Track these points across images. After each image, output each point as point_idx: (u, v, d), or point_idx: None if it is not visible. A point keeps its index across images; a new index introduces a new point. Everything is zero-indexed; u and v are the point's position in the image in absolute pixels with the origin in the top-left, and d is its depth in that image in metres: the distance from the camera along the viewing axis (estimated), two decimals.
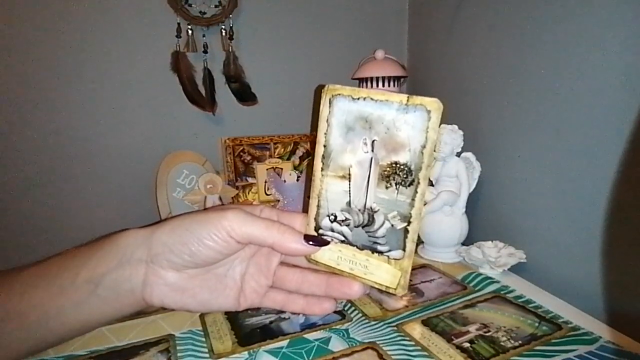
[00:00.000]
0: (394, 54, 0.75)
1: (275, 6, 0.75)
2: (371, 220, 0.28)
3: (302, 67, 0.79)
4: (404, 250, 0.27)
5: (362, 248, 0.28)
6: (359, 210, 0.28)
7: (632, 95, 0.41)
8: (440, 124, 0.25)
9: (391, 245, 0.27)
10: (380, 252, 0.28)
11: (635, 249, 0.41)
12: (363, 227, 0.28)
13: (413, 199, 0.26)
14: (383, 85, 0.70)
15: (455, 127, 0.60)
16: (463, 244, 0.60)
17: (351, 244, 0.29)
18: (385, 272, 0.28)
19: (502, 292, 0.47)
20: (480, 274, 0.52)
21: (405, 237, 0.27)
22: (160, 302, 0.29)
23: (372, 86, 0.70)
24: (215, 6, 0.69)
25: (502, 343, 0.37)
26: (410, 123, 0.25)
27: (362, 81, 0.72)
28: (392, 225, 0.27)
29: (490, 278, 0.50)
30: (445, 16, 0.70)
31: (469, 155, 0.61)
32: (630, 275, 0.42)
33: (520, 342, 0.37)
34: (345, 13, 0.79)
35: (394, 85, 0.71)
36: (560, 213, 0.51)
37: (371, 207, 0.27)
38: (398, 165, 0.26)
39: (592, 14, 0.44)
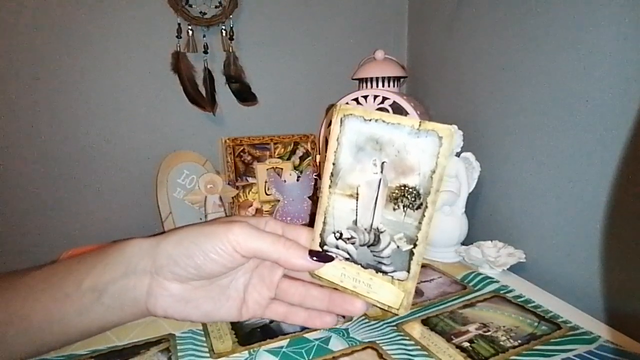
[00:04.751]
0: (394, 54, 0.75)
1: (276, 6, 0.75)
2: (377, 240, 0.28)
3: (302, 68, 0.79)
4: (408, 271, 0.27)
5: (366, 267, 0.28)
6: (365, 229, 0.28)
7: (632, 95, 0.41)
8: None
9: (396, 266, 0.27)
10: (385, 272, 0.28)
11: (635, 249, 0.41)
12: (368, 246, 0.28)
13: (420, 222, 0.26)
14: (383, 85, 0.70)
15: (455, 127, 0.60)
16: (463, 243, 0.60)
17: (355, 262, 0.29)
18: (388, 292, 0.28)
19: (501, 292, 0.47)
20: (480, 274, 0.52)
21: (411, 259, 0.27)
22: (164, 312, 0.30)
23: (371, 86, 0.71)
24: (216, 6, 0.70)
25: (501, 342, 0.37)
26: (421, 147, 0.25)
27: (362, 81, 0.72)
28: (398, 247, 0.27)
29: (490, 278, 0.51)
30: (445, 16, 0.70)
31: (468, 155, 0.61)
32: (630, 275, 0.42)
33: (519, 341, 0.37)
34: (345, 13, 0.79)
35: (393, 86, 0.71)
36: (560, 213, 0.51)
37: (377, 228, 0.27)
38: (407, 188, 0.26)
39: (593, 14, 0.44)
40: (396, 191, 0.26)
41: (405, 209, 0.26)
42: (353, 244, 0.28)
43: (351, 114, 0.27)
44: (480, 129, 0.63)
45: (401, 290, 0.28)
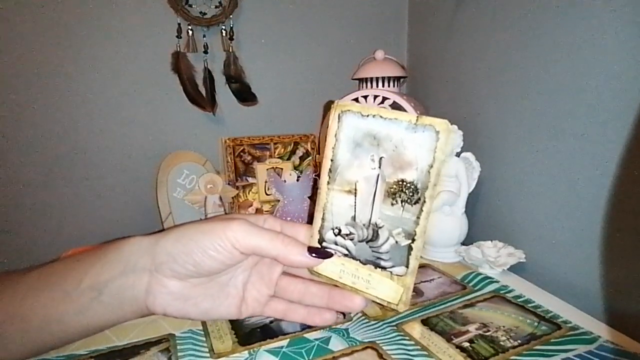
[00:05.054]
0: (394, 54, 0.75)
1: (276, 7, 0.75)
2: (375, 236, 0.28)
3: (302, 67, 0.79)
4: (407, 267, 0.27)
5: (365, 263, 0.28)
6: (364, 225, 0.28)
7: (632, 95, 0.41)
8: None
9: (394, 261, 0.27)
10: (383, 268, 0.28)
11: (635, 249, 0.41)
12: (367, 242, 0.28)
13: (418, 217, 0.26)
14: (383, 85, 0.70)
15: (455, 127, 0.60)
16: (463, 243, 0.60)
17: (354, 258, 0.29)
18: (387, 288, 0.28)
19: (501, 292, 0.47)
20: (480, 274, 0.52)
21: (409, 254, 0.27)
22: (163, 310, 0.30)
23: (371, 86, 0.71)
24: (216, 7, 0.70)
25: (501, 342, 0.37)
26: (419, 142, 0.25)
27: (362, 81, 0.72)
28: (397, 242, 0.27)
29: (490, 278, 0.50)
30: (445, 16, 0.70)
31: (468, 155, 0.61)
32: (630, 275, 0.42)
33: (519, 341, 0.37)
34: (345, 13, 0.79)
35: (393, 86, 0.71)
36: (560, 213, 0.51)
37: (376, 223, 0.27)
38: (404, 183, 0.26)
39: (593, 14, 0.44)
40: (394, 186, 0.26)
41: (403, 204, 0.26)
42: (352, 239, 0.28)
43: (349, 110, 0.27)
44: (480, 129, 0.63)
45: (400, 286, 0.28)
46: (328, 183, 0.28)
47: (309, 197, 0.73)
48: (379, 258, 0.28)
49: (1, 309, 0.27)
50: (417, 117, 0.25)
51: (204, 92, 0.72)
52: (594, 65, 0.45)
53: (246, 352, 0.37)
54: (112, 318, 0.29)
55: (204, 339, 0.39)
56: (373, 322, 0.42)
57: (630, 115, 0.41)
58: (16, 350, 0.28)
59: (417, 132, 0.25)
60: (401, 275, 0.27)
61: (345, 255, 0.29)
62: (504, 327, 0.40)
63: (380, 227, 0.27)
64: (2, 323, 0.27)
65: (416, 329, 0.40)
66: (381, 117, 0.26)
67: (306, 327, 0.40)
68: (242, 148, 0.76)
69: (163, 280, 0.29)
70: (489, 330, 0.39)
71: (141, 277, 0.29)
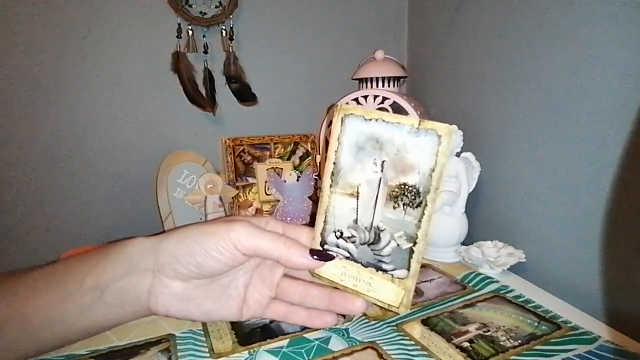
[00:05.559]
0: (394, 54, 0.75)
1: (276, 6, 0.75)
2: (377, 239, 0.28)
3: (302, 68, 0.79)
4: (408, 270, 0.27)
5: (366, 265, 0.29)
6: (366, 228, 0.28)
7: (632, 95, 0.41)
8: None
9: (396, 264, 0.28)
10: (385, 271, 0.28)
11: (635, 249, 0.41)
12: (369, 245, 0.28)
13: (420, 221, 0.26)
14: (383, 85, 0.70)
15: (455, 127, 0.60)
16: (463, 243, 0.60)
17: (356, 261, 0.29)
18: (388, 291, 0.28)
19: (501, 292, 0.47)
20: (480, 274, 0.52)
21: (411, 257, 0.27)
22: (165, 311, 0.30)
23: (371, 86, 0.71)
24: (216, 6, 0.70)
25: (501, 342, 0.37)
26: (421, 146, 0.25)
27: (362, 81, 0.72)
28: (398, 245, 0.27)
29: (490, 278, 0.51)
30: (445, 16, 0.70)
31: (468, 155, 0.61)
32: (630, 275, 0.42)
33: (519, 341, 0.37)
34: (345, 13, 0.79)
35: (393, 86, 0.71)
36: (560, 213, 0.51)
37: (378, 226, 0.28)
38: (406, 187, 0.26)
39: (593, 14, 0.45)
40: (396, 190, 0.26)
41: (405, 207, 0.26)
42: (353, 242, 0.28)
43: (352, 114, 0.27)
44: (480, 129, 0.63)
45: (401, 289, 0.28)
46: (330, 186, 0.28)
47: (308, 197, 0.73)
48: (380, 261, 0.28)
49: (3, 308, 0.27)
50: (420, 121, 0.25)
51: (204, 92, 0.72)
52: (595, 65, 0.45)
53: (246, 352, 0.37)
54: (114, 318, 0.29)
55: (204, 339, 0.39)
56: (373, 322, 0.42)
57: (630, 115, 0.41)
58: (17, 350, 0.28)
59: (420, 136, 0.25)
60: (402, 278, 0.28)
61: (347, 257, 0.29)
62: (504, 327, 0.40)
63: (382, 230, 0.27)
64: (3, 323, 0.27)
65: (416, 329, 0.40)
66: (384, 121, 0.26)
67: (306, 327, 0.40)
68: (242, 148, 0.76)
69: (165, 281, 0.29)
70: (489, 330, 0.39)
71: (144, 278, 0.29)
